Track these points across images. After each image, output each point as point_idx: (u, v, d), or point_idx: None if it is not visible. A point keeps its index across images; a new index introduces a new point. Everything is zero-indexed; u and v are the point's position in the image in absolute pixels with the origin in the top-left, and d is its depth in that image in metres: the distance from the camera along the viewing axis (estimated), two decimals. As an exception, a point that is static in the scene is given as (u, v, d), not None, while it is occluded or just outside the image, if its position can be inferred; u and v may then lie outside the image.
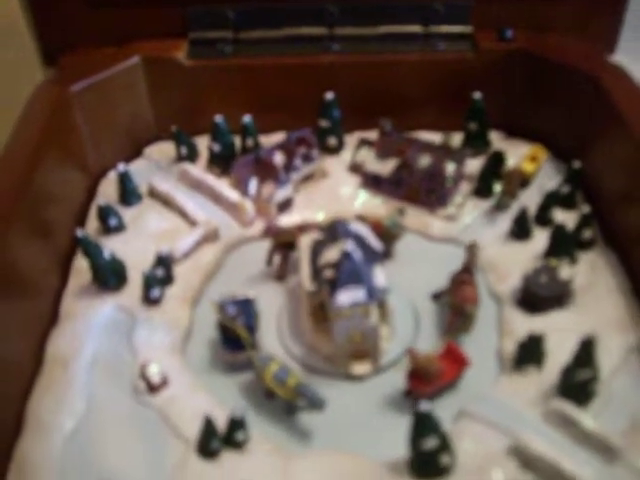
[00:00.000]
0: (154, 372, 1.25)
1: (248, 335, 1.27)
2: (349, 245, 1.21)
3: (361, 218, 1.45)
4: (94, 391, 1.27)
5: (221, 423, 1.16)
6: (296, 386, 1.18)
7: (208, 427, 1.13)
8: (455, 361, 1.24)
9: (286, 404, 1.22)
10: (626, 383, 1.24)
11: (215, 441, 1.14)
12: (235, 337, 1.27)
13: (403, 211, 1.49)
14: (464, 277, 1.35)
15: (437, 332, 1.37)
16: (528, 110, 1.74)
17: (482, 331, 1.36)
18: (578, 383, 1.17)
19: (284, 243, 1.45)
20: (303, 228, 1.44)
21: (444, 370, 1.22)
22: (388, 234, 1.46)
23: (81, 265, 1.47)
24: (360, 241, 1.29)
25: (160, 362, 1.29)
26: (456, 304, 1.33)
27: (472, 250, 1.38)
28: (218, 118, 1.63)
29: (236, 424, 1.14)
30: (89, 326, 1.37)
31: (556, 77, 1.65)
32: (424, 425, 1.06)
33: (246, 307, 1.31)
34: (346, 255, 1.20)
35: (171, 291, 1.43)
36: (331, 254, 1.26)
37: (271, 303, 1.43)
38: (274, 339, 1.37)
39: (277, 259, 1.48)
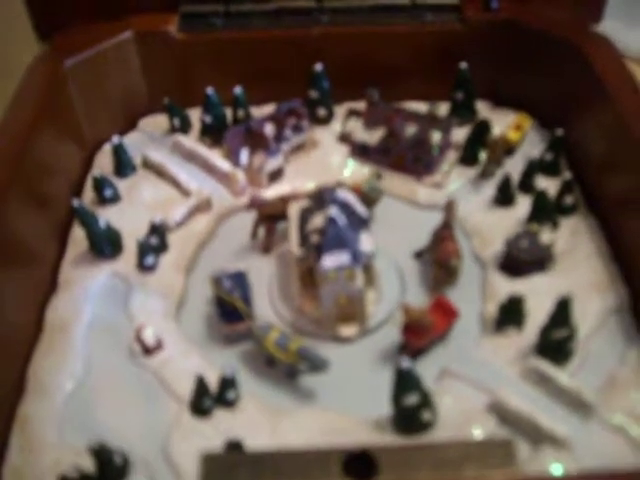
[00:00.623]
0: (149, 335, 1.30)
1: (245, 306, 1.31)
2: (333, 211, 1.26)
3: (340, 184, 1.48)
4: (92, 354, 1.32)
5: (214, 385, 1.21)
6: (298, 350, 1.23)
7: (200, 386, 1.18)
8: (445, 314, 1.28)
9: (287, 369, 1.26)
10: (603, 343, 1.29)
11: (207, 400, 1.19)
12: (232, 309, 1.31)
13: (380, 175, 1.52)
14: (445, 233, 1.40)
15: (423, 294, 1.41)
16: (514, 79, 1.77)
17: (466, 294, 1.40)
18: (555, 342, 1.22)
19: (268, 215, 1.48)
20: (287, 199, 1.48)
21: (436, 322, 1.27)
22: (367, 198, 1.49)
23: (78, 235, 1.51)
24: (346, 207, 1.34)
25: (155, 327, 1.34)
26: (440, 259, 1.37)
27: (450, 207, 1.43)
28: (209, 90, 1.66)
29: (227, 383, 1.19)
30: (87, 293, 1.42)
31: (541, 47, 1.68)
32: (405, 382, 1.11)
33: (240, 280, 1.36)
34: (330, 220, 1.25)
35: (165, 259, 1.48)
36: (318, 220, 1.30)
37: (263, 270, 1.48)
38: (266, 304, 1.42)
39: (262, 231, 1.52)
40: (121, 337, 1.35)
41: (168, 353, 1.31)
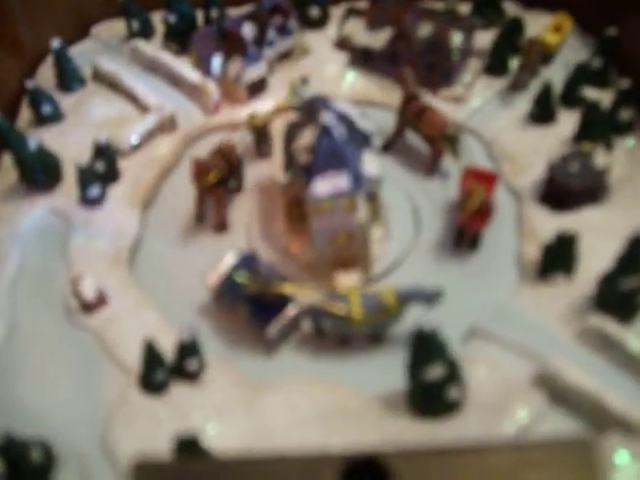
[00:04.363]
0: (88, 286, 1.01)
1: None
2: (327, 118, 0.94)
3: (252, 117, 1.23)
4: (17, 311, 1.08)
5: (173, 348, 0.94)
6: (397, 298, 0.96)
7: (151, 353, 0.90)
8: (485, 182, 1.11)
9: (374, 331, 0.98)
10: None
11: (161, 372, 0.91)
12: (270, 302, 0.99)
13: (306, 79, 1.25)
14: (418, 105, 1.20)
15: (441, 232, 1.15)
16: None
17: (498, 234, 1.14)
18: (621, 294, 0.96)
19: (213, 184, 1.13)
20: (226, 148, 1.15)
21: None
22: None
23: (10, 162, 1.22)
24: (346, 122, 1.03)
25: (100, 275, 1.06)
26: (432, 134, 1.19)
27: (404, 76, 1.22)
28: (172, -21, 1.35)
29: (187, 349, 0.91)
30: (15, 234, 1.17)
31: None
32: (428, 349, 0.84)
33: (257, 263, 1.04)
34: (324, 130, 0.94)
35: (116, 191, 1.21)
36: (308, 136, 1.00)
37: (240, 205, 1.20)
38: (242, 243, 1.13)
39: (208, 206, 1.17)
40: (56, 290, 1.10)
41: (114, 309, 1.06)
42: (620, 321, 0.95)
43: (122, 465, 0.86)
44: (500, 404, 0.89)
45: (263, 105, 1.31)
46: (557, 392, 0.90)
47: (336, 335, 0.99)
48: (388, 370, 0.92)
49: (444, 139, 1.19)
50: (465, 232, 1.12)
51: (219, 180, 1.13)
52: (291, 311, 0.99)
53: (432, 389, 0.86)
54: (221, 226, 1.15)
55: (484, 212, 1.09)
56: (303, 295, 0.99)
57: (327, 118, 0.94)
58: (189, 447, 0.75)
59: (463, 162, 1.20)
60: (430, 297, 0.96)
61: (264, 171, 1.23)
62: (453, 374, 0.86)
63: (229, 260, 1.03)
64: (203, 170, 1.10)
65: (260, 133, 1.23)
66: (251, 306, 0.99)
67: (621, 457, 0.83)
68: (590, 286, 0.99)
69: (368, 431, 0.86)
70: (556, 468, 0.61)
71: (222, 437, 0.87)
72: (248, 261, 1.03)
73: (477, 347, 0.97)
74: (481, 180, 1.12)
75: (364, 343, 1.00)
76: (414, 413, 0.89)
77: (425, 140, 1.21)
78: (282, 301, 0.99)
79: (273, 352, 0.99)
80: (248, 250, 1.06)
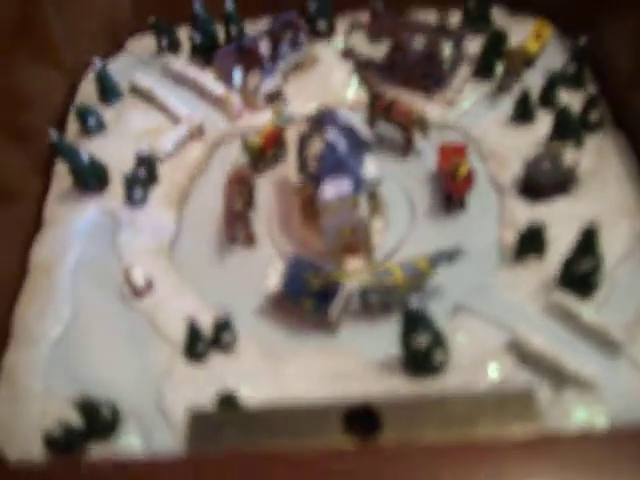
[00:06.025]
0: (138, 275, 1.20)
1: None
2: (331, 134, 1.13)
3: (247, 141, 1.39)
4: (79, 297, 1.23)
5: (210, 325, 1.12)
6: (429, 263, 1.15)
7: (192, 330, 1.09)
8: (458, 154, 1.29)
9: (402, 301, 1.12)
10: (632, 273, 1.16)
11: (201, 344, 1.10)
12: (328, 290, 1.15)
13: (285, 101, 1.42)
14: (385, 100, 1.38)
15: (434, 222, 1.31)
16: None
17: (482, 222, 1.29)
18: (580, 274, 1.10)
19: (240, 210, 1.29)
20: (243, 176, 1.32)
21: None
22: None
23: (63, 168, 1.40)
24: (348, 130, 1.21)
25: (145, 265, 1.24)
26: (404, 122, 1.37)
27: (366, 77, 1.41)
28: (196, 4, 1.51)
29: (221, 325, 1.10)
30: (72, 231, 1.32)
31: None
32: (415, 323, 1.01)
33: (312, 262, 1.18)
34: (328, 145, 1.12)
35: (156, 192, 1.37)
36: (316, 146, 1.18)
37: (261, 200, 1.37)
38: (265, 237, 1.32)
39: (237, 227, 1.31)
40: (110, 278, 1.25)
41: (160, 294, 1.22)
42: (580, 296, 1.11)
43: (173, 420, 1.04)
44: (477, 366, 1.06)
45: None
46: (524, 356, 1.06)
47: (380, 305, 1.17)
48: (386, 339, 1.08)
49: (415, 123, 1.36)
50: (454, 197, 1.29)
51: (242, 207, 1.28)
52: (345, 293, 1.16)
53: (421, 355, 1.03)
54: (251, 241, 1.30)
55: (468, 178, 1.27)
56: (353, 278, 1.18)
57: (331, 135, 1.13)
58: (227, 402, 0.95)
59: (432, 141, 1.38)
60: (452, 255, 1.15)
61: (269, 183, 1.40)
62: (438, 342, 1.03)
63: (279, 267, 1.19)
64: (233, 198, 1.26)
65: (256, 154, 1.39)
66: (314, 300, 1.15)
67: (575, 409, 1.02)
68: (557, 266, 1.14)
69: (368, 389, 1.04)
70: (504, 412, 0.81)
71: (251, 396, 1.04)
72: (302, 263, 1.17)
73: (460, 319, 1.13)
74: (456, 152, 1.31)
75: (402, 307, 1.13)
76: (407, 374, 1.07)
77: (398, 128, 1.39)
78: (335, 287, 1.15)
79: (336, 331, 1.17)
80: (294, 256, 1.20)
